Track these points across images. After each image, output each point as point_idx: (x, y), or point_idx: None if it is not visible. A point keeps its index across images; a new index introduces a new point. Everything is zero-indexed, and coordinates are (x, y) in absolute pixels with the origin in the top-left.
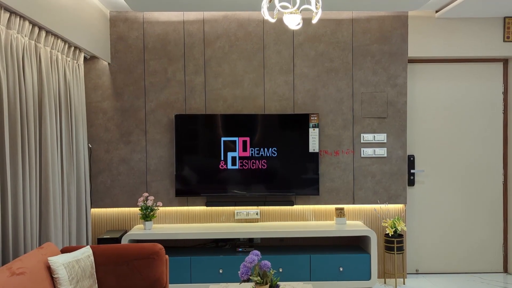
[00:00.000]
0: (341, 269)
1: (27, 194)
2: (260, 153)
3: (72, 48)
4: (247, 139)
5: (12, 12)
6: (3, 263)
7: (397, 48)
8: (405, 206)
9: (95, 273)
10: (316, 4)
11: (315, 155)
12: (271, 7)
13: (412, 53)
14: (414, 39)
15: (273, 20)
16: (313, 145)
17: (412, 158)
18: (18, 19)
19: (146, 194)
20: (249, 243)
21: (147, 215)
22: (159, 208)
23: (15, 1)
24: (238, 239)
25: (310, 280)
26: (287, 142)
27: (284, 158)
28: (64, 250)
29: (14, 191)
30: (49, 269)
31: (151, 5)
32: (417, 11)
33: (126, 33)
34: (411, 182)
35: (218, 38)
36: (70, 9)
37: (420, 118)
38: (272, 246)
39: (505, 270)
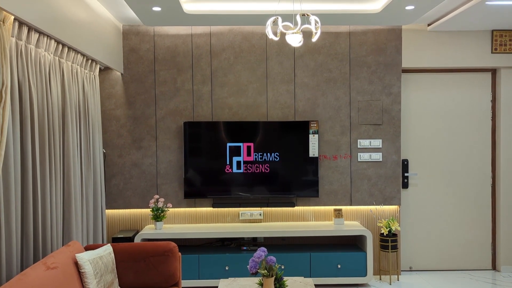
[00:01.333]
0: (339, 266)
1: (53, 196)
2: (263, 157)
3: (90, 61)
4: (251, 144)
5: (41, 33)
6: (35, 259)
7: (391, 59)
8: (399, 207)
9: (115, 268)
10: (315, 24)
11: (315, 160)
12: (274, 23)
13: (405, 63)
14: (408, 50)
15: (276, 39)
16: (313, 150)
17: (406, 162)
18: (46, 38)
19: (157, 196)
20: (253, 242)
21: (158, 215)
22: (169, 209)
23: (43, 23)
24: (243, 238)
25: (310, 276)
26: (289, 147)
27: (285, 162)
28: (88, 248)
29: (43, 194)
30: (76, 265)
31: (161, 20)
32: (411, 25)
33: (138, 46)
34: (405, 185)
35: (224, 50)
36: (88, 26)
37: (414, 124)
38: (275, 245)
39: (493, 268)
